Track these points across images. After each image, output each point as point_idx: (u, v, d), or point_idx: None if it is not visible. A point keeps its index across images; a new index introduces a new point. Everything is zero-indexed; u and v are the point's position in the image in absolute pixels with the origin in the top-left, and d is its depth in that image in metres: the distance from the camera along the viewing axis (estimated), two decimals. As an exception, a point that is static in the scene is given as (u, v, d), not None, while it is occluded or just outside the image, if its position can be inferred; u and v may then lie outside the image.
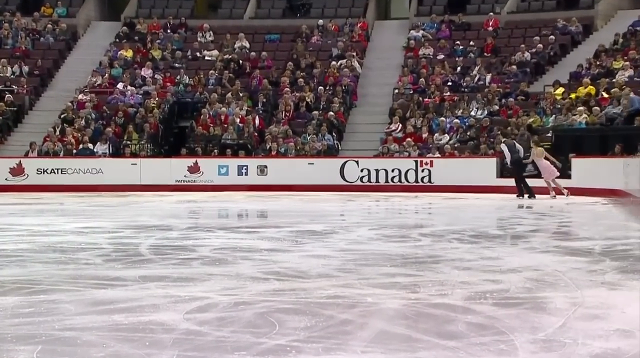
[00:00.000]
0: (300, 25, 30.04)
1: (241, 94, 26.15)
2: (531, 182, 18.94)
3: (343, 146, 24.66)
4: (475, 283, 6.68)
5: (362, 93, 27.22)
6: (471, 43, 28.18)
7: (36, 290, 6.35)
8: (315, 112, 25.14)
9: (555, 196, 18.57)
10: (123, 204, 18.06)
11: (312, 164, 22.79)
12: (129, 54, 28.55)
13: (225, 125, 24.73)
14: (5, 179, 22.47)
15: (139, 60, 28.34)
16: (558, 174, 18.72)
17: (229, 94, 26.02)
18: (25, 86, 26.92)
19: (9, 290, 6.32)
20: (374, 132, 25.03)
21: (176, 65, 28.18)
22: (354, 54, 28.15)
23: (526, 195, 18.62)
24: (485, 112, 24.29)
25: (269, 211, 16.36)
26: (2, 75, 27.22)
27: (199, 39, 29.66)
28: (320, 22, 30.04)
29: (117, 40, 29.62)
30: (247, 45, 29.31)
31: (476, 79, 26.30)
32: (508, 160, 19.00)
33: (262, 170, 22.95)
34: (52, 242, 9.78)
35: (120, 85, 26.84)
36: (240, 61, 28.16)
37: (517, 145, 19.07)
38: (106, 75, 27.38)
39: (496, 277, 6.94)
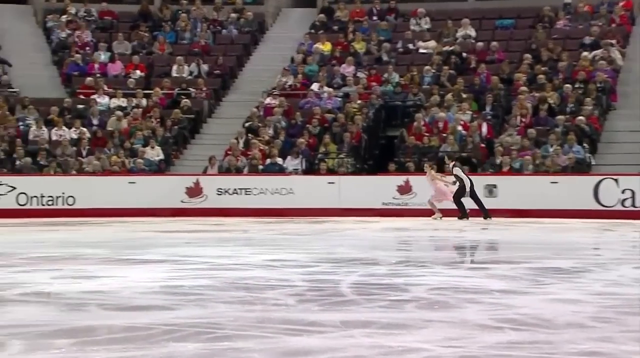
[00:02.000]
0: (541, 6, 29.58)
1: (464, 95, 26.09)
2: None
3: (597, 160, 23.99)
4: None
5: (624, 92, 26.38)
6: None
7: (219, 335, 6.60)
8: (561, 117, 24.62)
9: (438, 218, 21.36)
10: (319, 232, 18.41)
11: (556, 182, 22.33)
12: (326, 47, 29.25)
13: (444, 134, 24.74)
14: (181, 201, 23.60)
15: (338, 54, 28.97)
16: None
17: (449, 95, 26.03)
18: (204, 89, 28.21)
19: (188, 335, 6.61)
20: (639, 142, 24.21)
21: (384, 60, 28.56)
22: (614, 41, 27.34)
23: (463, 218, 21.15)
24: None
25: (500, 242, 16.15)
26: (177, 75, 28.69)
27: (412, 27, 29.92)
28: (568, 0, 29.45)
29: (313, 30, 30.42)
30: (473, 33, 29.23)
31: None
32: (467, 184, 21.26)
33: (491, 190, 22.74)
34: (235, 277, 10.12)
35: (315, 86, 27.52)
36: (464, 54, 28.11)
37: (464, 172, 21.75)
38: (299, 74, 28.17)
39: None
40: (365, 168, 25.23)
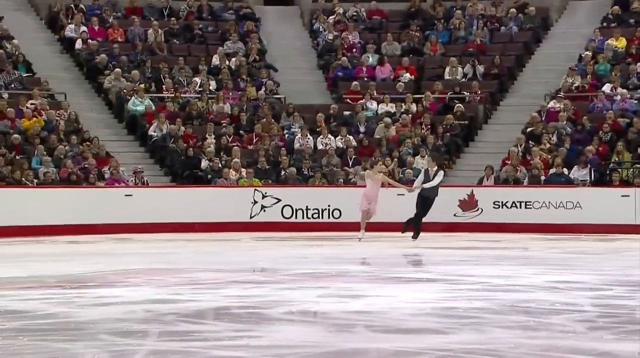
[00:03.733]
0: None
1: None
2: None
3: None
4: None
5: None
6: None
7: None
8: None
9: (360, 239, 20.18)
10: (612, 251, 18.01)
11: None
12: (620, 43, 28.53)
13: None
14: (454, 215, 23.62)
15: (634, 51, 28.18)
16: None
17: None
18: (480, 92, 28.14)
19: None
20: None
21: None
22: None
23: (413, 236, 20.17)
24: None
25: None
26: (450, 78, 28.76)
27: None
28: None
29: (605, 24, 29.73)
30: None
31: None
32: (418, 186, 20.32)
33: None
34: (515, 299, 10.05)
35: (607, 87, 26.90)
36: None
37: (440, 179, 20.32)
38: (588, 74, 27.61)
39: None
40: (665, 179, 24.38)
